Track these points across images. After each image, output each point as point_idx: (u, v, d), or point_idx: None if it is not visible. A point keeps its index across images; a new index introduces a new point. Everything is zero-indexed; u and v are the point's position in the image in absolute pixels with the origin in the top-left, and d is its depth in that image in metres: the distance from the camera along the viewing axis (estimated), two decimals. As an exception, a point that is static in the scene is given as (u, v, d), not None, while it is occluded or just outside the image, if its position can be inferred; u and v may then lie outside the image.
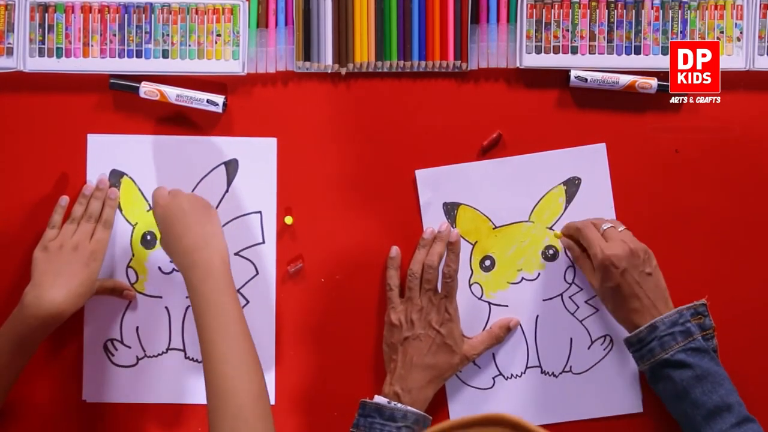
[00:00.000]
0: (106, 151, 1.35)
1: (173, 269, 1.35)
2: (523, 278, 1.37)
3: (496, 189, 1.36)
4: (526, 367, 1.37)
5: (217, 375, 1.17)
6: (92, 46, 1.33)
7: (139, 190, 1.35)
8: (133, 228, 1.35)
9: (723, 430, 1.20)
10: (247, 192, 1.36)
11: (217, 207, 1.35)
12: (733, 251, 1.36)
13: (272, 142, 1.35)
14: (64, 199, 1.33)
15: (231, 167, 1.35)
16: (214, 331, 1.19)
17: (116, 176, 1.35)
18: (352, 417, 1.29)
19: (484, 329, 1.36)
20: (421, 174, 1.35)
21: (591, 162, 1.36)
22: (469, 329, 1.35)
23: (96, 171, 1.34)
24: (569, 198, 1.36)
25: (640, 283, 1.25)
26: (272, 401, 1.35)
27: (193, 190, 1.35)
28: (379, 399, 1.29)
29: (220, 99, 1.33)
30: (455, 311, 1.32)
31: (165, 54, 1.34)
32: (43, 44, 1.33)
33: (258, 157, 1.35)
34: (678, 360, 1.22)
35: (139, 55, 1.34)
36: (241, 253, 1.36)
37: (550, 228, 1.36)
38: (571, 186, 1.36)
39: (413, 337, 1.31)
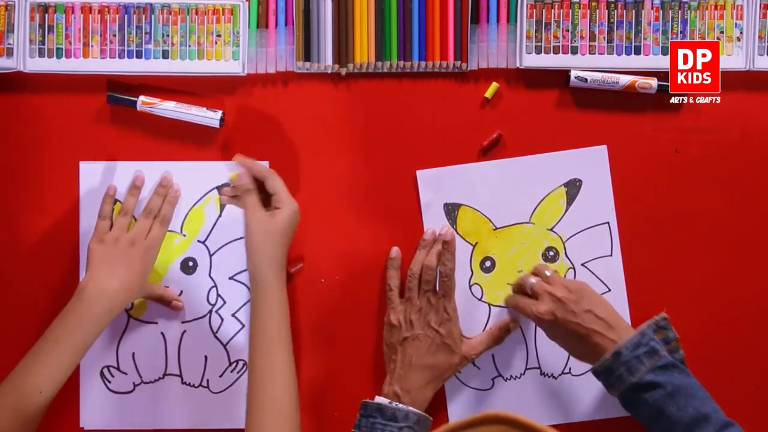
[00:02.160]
0: (98, 179, 1.33)
1: None
2: (523, 279, 1.37)
3: (497, 190, 1.35)
4: (526, 369, 1.36)
5: (265, 361, 1.24)
6: (92, 46, 1.33)
7: (132, 217, 1.32)
8: None
9: None
10: None
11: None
12: (733, 251, 1.36)
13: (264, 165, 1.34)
14: (113, 189, 1.32)
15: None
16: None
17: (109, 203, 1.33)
18: (353, 417, 1.28)
19: (483, 330, 1.36)
20: (422, 174, 1.35)
21: (592, 164, 1.36)
22: (468, 330, 1.35)
23: (90, 197, 1.33)
24: (570, 200, 1.36)
25: (583, 322, 1.24)
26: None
27: (191, 208, 1.35)
28: (380, 399, 1.29)
29: (217, 115, 1.33)
30: (454, 311, 1.32)
31: (165, 54, 1.34)
32: (43, 45, 1.33)
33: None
34: (648, 381, 1.20)
35: (139, 55, 1.34)
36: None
37: (551, 229, 1.36)
38: (572, 188, 1.36)
39: (412, 338, 1.31)
